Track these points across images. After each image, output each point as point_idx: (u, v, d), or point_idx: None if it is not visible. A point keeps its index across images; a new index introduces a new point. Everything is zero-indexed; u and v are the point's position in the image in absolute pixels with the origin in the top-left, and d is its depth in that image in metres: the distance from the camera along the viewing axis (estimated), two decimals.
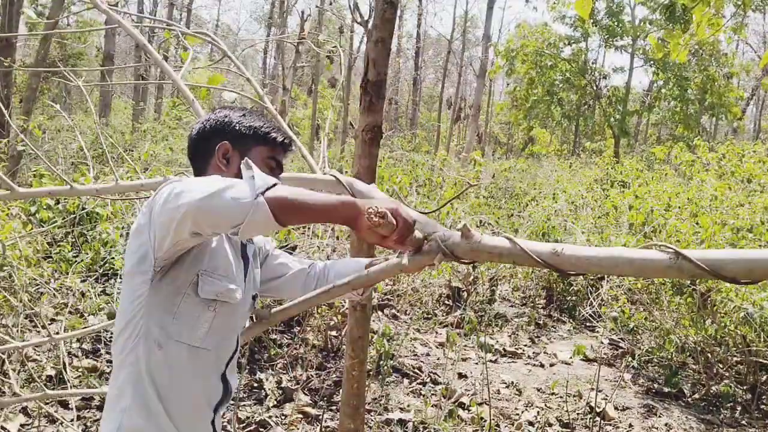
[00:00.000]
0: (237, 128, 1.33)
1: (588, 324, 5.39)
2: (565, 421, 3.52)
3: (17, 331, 3.41)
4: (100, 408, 3.14)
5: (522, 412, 3.63)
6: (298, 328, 4.22)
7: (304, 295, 1.42)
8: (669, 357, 4.31)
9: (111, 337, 3.94)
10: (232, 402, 3.37)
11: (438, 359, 4.36)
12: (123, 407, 1.19)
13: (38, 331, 3.77)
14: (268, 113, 1.88)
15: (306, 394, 3.55)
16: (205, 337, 1.24)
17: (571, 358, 4.59)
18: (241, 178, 1.10)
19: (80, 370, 3.44)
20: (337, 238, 5.67)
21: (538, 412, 3.65)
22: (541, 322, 5.46)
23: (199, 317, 1.23)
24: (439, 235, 1.15)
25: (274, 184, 1.04)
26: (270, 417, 3.27)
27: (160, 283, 1.19)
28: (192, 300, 1.22)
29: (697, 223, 4.74)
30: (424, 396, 3.70)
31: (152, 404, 1.19)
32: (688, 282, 4.28)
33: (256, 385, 3.60)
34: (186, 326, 1.22)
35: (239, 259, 1.34)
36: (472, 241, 1.10)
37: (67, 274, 4.04)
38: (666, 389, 4.09)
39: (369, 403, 3.45)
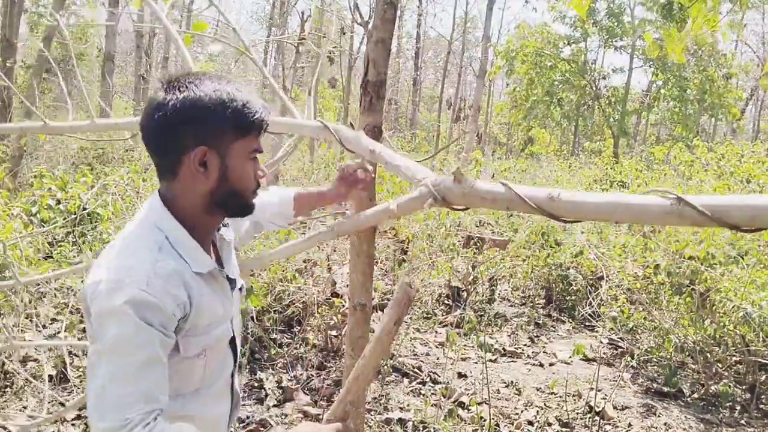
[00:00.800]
0: (213, 121, 1.04)
1: (587, 324, 5.40)
2: (565, 421, 3.53)
3: (18, 330, 3.42)
4: None
5: (521, 411, 3.64)
6: (299, 328, 4.23)
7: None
8: (668, 356, 4.32)
9: None
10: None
11: (438, 359, 4.37)
12: None
13: (39, 331, 3.78)
14: (256, 66, 1.86)
15: (306, 394, 3.56)
16: (201, 379, 1.15)
17: (570, 357, 4.60)
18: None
19: (81, 369, 3.45)
20: (337, 237, 5.68)
21: (537, 411, 3.66)
22: (540, 321, 5.47)
23: (189, 371, 1.12)
24: (430, 180, 1.10)
25: None
26: (270, 416, 3.28)
27: None
28: (175, 361, 1.08)
29: None
30: (423, 395, 3.71)
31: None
32: (688, 281, 4.29)
33: (256, 384, 3.61)
34: (178, 383, 1.10)
35: (223, 284, 1.19)
36: (464, 185, 1.04)
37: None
38: (665, 389, 4.10)
39: (369, 403, 3.46)
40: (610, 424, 3.59)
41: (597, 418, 3.58)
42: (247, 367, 3.75)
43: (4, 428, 2.84)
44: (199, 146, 1.05)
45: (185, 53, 1.64)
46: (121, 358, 0.98)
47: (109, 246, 1.11)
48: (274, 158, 2.01)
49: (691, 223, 0.87)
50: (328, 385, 3.65)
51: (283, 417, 3.32)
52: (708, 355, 4.16)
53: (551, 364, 4.55)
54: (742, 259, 4.25)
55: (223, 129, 1.06)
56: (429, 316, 5.20)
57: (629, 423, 3.63)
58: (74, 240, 4.80)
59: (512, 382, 4.09)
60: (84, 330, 3.92)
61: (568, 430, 3.48)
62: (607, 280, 5.12)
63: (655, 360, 4.48)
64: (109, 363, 0.98)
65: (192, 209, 1.11)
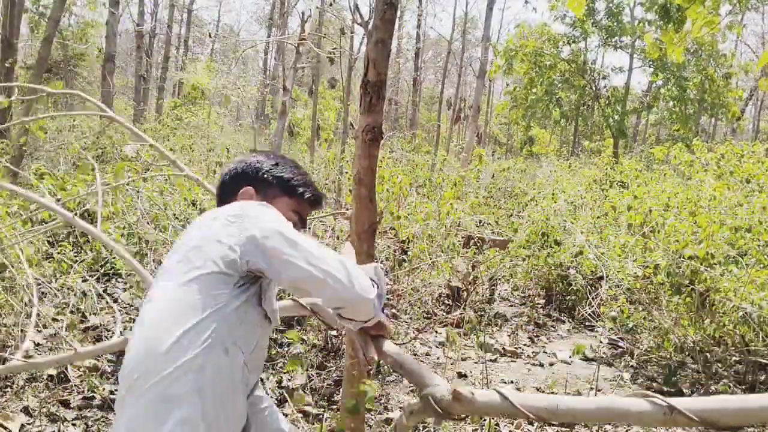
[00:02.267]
0: (265, 175, 1.39)
1: (587, 323, 5.40)
2: None
3: (18, 330, 3.42)
4: (100, 407, 3.16)
5: None
6: (299, 328, 4.24)
7: None
8: (668, 356, 4.32)
9: (112, 336, 3.96)
10: None
11: (438, 359, 4.38)
12: (182, 418, 1.07)
13: (39, 331, 3.78)
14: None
15: (306, 394, 3.56)
16: (251, 352, 1.22)
17: (570, 357, 4.61)
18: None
19: (82, 369, 3.46)
20: (337, 237, 5.69)
21: None
22: (540, 321, 5.48)
23: (254, 330, 1.22)
24: (432, 395, 1.16)
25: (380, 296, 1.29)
26: None
27: (239, 289, 1.18)
28: (254, 310, 1.21)
29: (695, 223, 4.75)
30: None
31: (210, 418, 1.10)
32: (687, 281, 4.29)
33: None
34: (246, 336, 1.19)
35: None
36: (464, 403, 1.11)
37: (69, 273, 4.06)
38: (665, 388, 4.10)
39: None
40: (610, 424, 3.60)
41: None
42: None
43: (5, 428, 2.85)
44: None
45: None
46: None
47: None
48: None
49: (684, 425, 0.94)
50: (328, 384, 3.66)
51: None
52: (708, 354, 4.16)
53: (551, 364, 4.55)
54: (742, 259, 4.26)
55: (272, 184, 1.41)
56: (429, 316, 5.20)
57: (629, 423, 3.63)
58: (75, 240, 4.80)
59: (512, 382, 4.10)
60: (84, 330, 3.92)
61: (567, 429, 3.48)
62: (606, 280, 5.13)
63: (654, 360, 4.48)
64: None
65: None
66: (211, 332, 1.12)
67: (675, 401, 0.91)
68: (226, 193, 1.42)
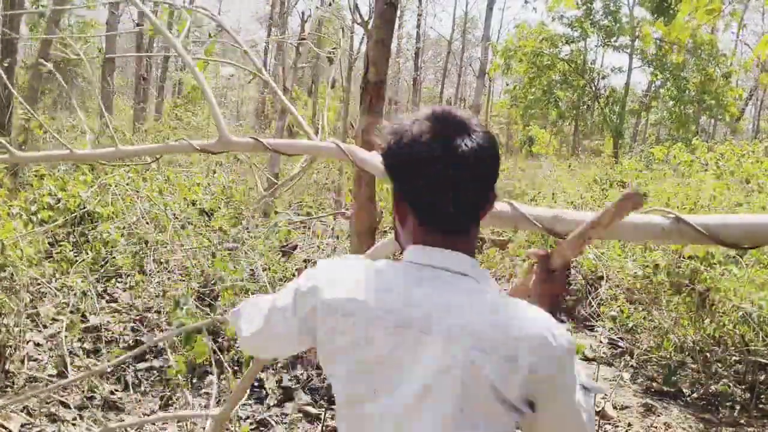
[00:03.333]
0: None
1: (587, 323, 5.40)
2: None
3: (19, 331, 3.42)
4: (101, 407, 3.16)
5: None
6: None
7: None
8: (668, 356, 4.32)
9: (113, 336, 3.97)
10: None
11: None
12: None
13: (39, 331, 3.78)
14: (269, 87, 1.88)
15: (307, 394, 3.56)
16: None
17: None
18: None
19: (82, 369, 3.46)
20: (337, 237, 5.69)
21: None
22: None
23: None
24: None
25: None
26: (270, 416, 3.29)
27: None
28: None
29: None
30: None
31: None
32: (687, 281, 4.29)
33: (256, 384, 3.62)
34: None
35: None
36: None
37: (69, 273, 4.06)
38: (665, 388, 4.10)
39: None
40: (609, 423, 3.60)
41: (597, 417, 3.58)
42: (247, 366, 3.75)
43: (5, 427, 2.85)
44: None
45: (199, 79, 1.65)
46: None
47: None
48: (291, 175, 2.05)
49: (690, 240, 0.90)
50: (328, 384, 3.66)
51: (283, 416, 3.32)
52: (708, 354, 4.17)
53: None
54: (741, 258, 4.26)
55: None
56: None
57: (629, 423, 3.63)
58: (75, 240, 4.80)
59: None
60: (84, 330, 3.92)
61: None
62: (606, 280, 5.13)
63: (654, 359, 4.48)
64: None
65: None
66: None
67: (682, 215, 0.90)
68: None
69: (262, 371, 3.77)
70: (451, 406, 0.88)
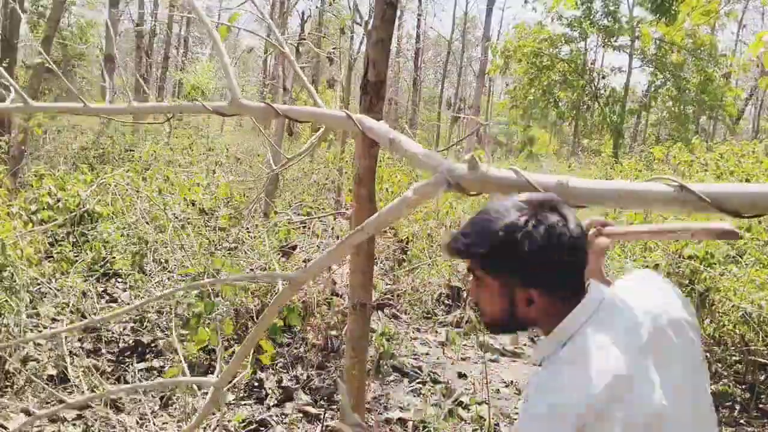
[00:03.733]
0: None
1: None
2: None
3: (19, 331, 3.42)
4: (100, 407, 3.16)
5: None
6: (299, 328, 4.24)
7: None
8: None
9: (113, 336, 3.97)
10: (232, 402, 3.39)
11: (438, 358, 4.38)
12: None
13: (39, 331, 3.78)
14: (287, 60, 1.87)
15: (306, 394, 3.56)
16: None
17: None
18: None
19: (82, 369, 3.46)
20: (337, 237, 5.68)
21: None
22: None
23: None
24: (445, 167, 1.15)
25: None
26: (270, 416, 3.29)
27: None
28: None
29: None
30: (424, 395, 3.71)
31: None
32: (687, 281, 4.29)
33: (256, 384, 3.62)
34: None
35: None
36: (478, 173, 1.09)
37: (68, 273, 4.06)
38: None
39: (369, 403, 3.47)
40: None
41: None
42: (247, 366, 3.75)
43: (4, 428, 2.85)
44: None
45: (220, 47, 1.64)
46: None
47: None
48: (300, 151, 2.04)
49: (692, 208, 0.89)
50: (328, 384, 3.66)
51: (283, 416, 3.32)
52: (707, 354, 4.16)
53: None
54: (741, 258, 4.26)
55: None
56: (429, 315, 5.21)
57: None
58: (74, 240, 4.80)
59: (512, 382, 4.10)
60: (84, 330, 3.92)
61: None
62: None
63: None
64: None
65: None
66: None
67: (686, 183, 0.90)
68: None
69: (262, 371, 3.77)
70: None
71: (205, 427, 3.08)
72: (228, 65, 1.57)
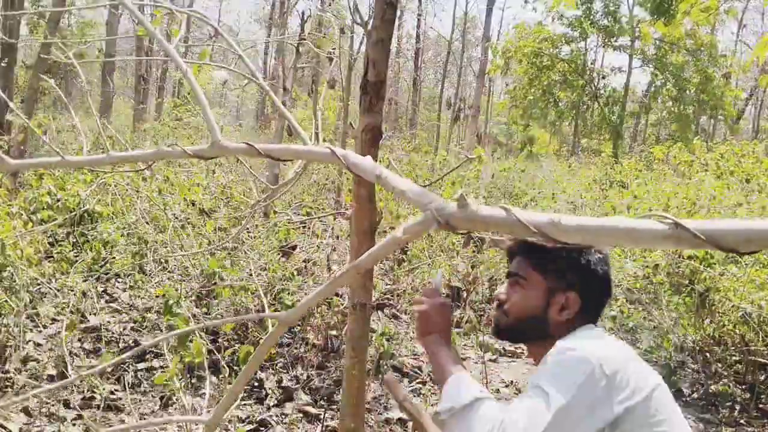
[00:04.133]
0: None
1: None
2: None
3: (19, 331, 3.42)
4: (100, 407, 3.16)
5: None
6: (299, 328, 4.24)
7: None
8: (668, 356, 4.32)
9: (113, 337, 3.96)
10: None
11: None
12: None
13: (39, 331, 3.78)
14: (262, 90, 1.87)
15: (306, 394, 3.56)
16: None
17: None
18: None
19: (82, 369, 3.46)
20: (337, 237, 5.69)
21: None
22: None
23: None
24: (434, 205, 1.16)
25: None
26: (270, 416, 3.29)
27: None
28: None
29: None
30: (424, 395, 3.71)
31: None
32: (687, 281, 4.29)
33: (256, 384, 3.62)
34: None
35: None
36: (467, 212, 1.10)
37: (69, 273, 4.06)
38: None
39: (369, 403, 3.47)
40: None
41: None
42: None
43: (4, 428, 2.85)
44: None
45: (196, 87, 1.65)
46: None
47: None
48: (285, 180, 2.04)
49: (689, 245, 0.91)
50: (328, 384, 3.66)
51: (283, 417, 3.32)
52: (708, 354, 4.17)
53: None
54: (741, 258, 4.26)
55: None
56: None
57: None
58: (75, 240, 4.80)
59: (512, 382, 4.10)
60: (84, 330, 3.92)
61: None
62: None
63: (654, 360, 4.48)
64: None
65: None
66: None
67: (680, 220, 0.92)
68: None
69: (262, 371, 3.77)
70: None
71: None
72: (206, 105, 1.56)
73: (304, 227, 6.11)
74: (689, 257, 4.28)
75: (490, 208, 1.10)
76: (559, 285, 1.25)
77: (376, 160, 2.14)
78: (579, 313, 1.25)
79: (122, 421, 3.07)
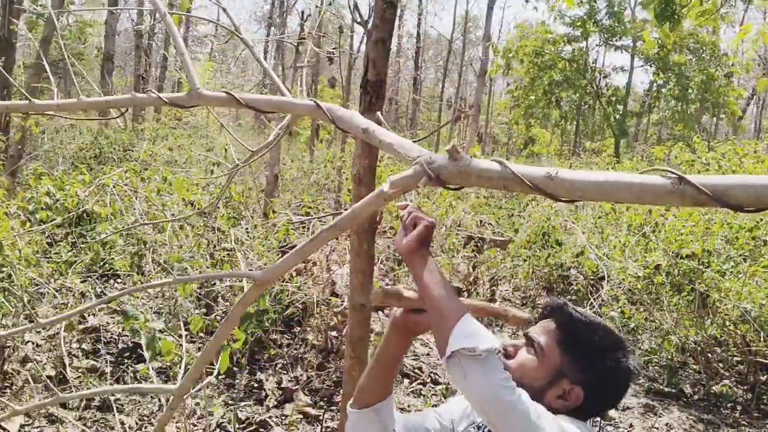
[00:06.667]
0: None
1: None
2: None
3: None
4: (100, 408, 3.14)
5: None
6: (298, 328, 4.22)
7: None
8: (669, 357, 4.31)
9: (111, 336, 3.95)
10: (231, 401, 3.37)
11: (438, 359, 4.36)
12: None
13: (38, 332, 3.77)
14: (246, 46, 1.82)
15: (306, 395, 3.54)
16: None
17: None
18: None
19: (80, 370, 3.44)
20: (336, 237, 5.67)
21: None
22: None
23: None
24: (424, 158, 1.06)
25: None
26: (270, 417, 3.27)
27: None
28: None
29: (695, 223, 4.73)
30: (424, 396, 3.70)
31: None
32: (688, 281, 4.27)
33: (256, 385, 3.60)
34: None
35: None
36: (460, 163, 1.01)
37: (67, 274, 4.04)
38: (666, 389, 4.08)
39: None
40: (611, 424, 3.58)
41: (598, 418, 3.57)
42: (247, 367, 3.73)
43: (4, 428, 2.83)
44: None
45: (175, 32, 1.58)
46: None
47: None
48: (266, 142, 1.95)
49: (692, 202, 0.83)
50: (328, 385, 3.64)
51: (283, 417, 3.31)
52: (709, 355, 4.15)
53: None
54: (741, 259, 4.24)
55: None
56: None
57: (630, 423, 3.62)
58: (73, 240, 4.78)
59: None
60: (83, 330, 3.91)
61: None
62: (608, 281, 5.11)
63: (656, 360, 4.46)
64: None
65: None
66: None
67: (686, 175, 0.84)
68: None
69: (261, 371, 3.75)
70: None
71: (204, 428, 3.06)
72: (185, 53, 1.50)
73: (303, 227, 6.09)
74: (687, 256, 4.25)
75: (485, 161, 1.00)
76: (571, 373, 1.16)
77: (375, 159, 2.12)
78: (580, 407, 1.17)
79: (122, 422, 3.06)
